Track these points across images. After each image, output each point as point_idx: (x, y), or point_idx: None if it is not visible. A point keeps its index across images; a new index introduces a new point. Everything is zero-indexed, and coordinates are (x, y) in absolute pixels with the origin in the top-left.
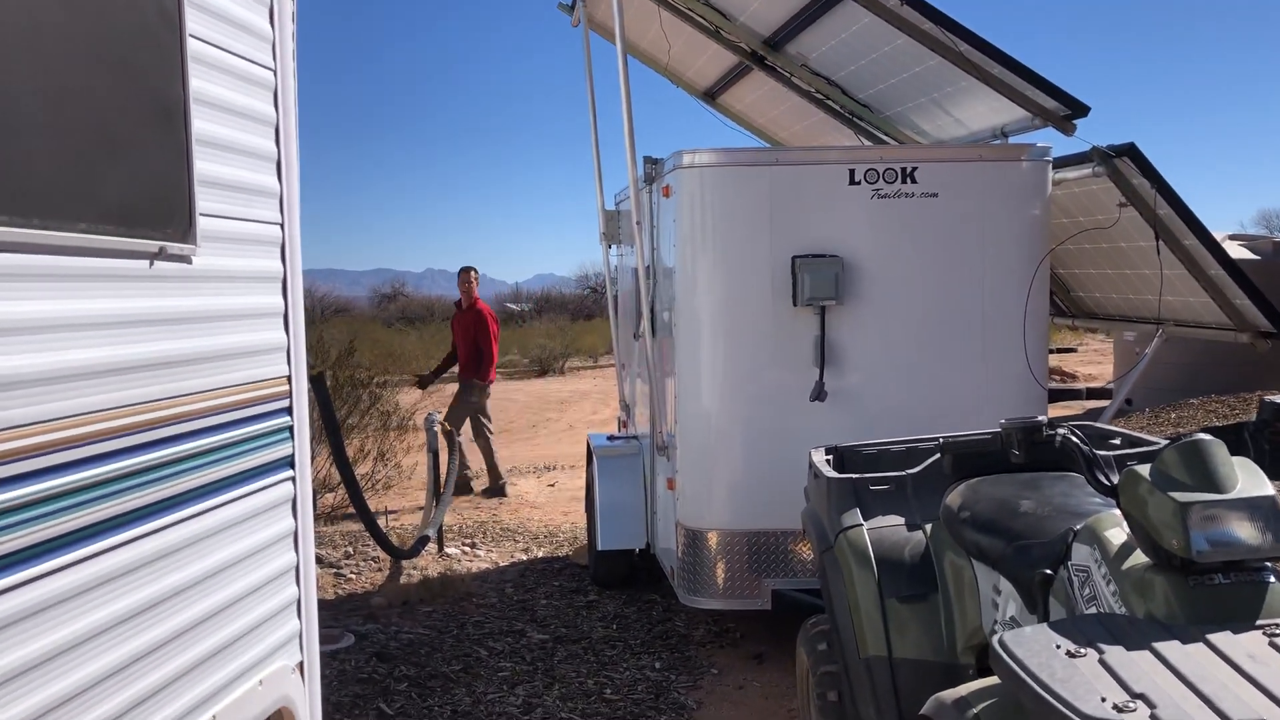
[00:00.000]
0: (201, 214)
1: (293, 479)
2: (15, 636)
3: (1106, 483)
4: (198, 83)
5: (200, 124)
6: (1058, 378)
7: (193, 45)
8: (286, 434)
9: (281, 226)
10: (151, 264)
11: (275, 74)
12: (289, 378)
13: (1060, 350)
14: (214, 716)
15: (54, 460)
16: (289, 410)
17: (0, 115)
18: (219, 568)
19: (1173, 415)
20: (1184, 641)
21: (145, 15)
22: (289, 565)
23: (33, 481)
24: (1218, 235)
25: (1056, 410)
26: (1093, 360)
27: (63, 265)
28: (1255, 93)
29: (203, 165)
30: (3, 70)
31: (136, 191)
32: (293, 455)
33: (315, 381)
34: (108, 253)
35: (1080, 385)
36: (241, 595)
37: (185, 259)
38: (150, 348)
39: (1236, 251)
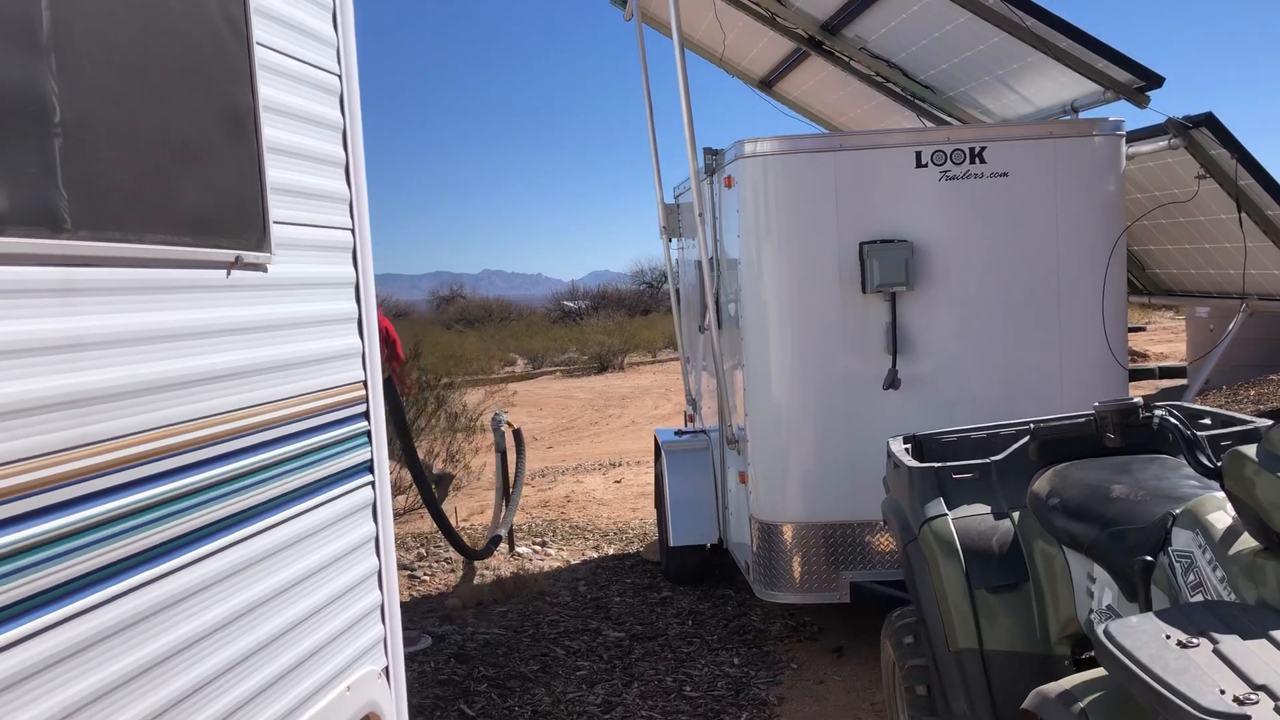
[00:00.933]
0: (275, 221)
1: (372, 484)
2: (110, 650)
3: (1209, 464)
4: (267, 90)
5: (271, 131)
6: (1129, 357)
7: (260, 53)
8: (365, 439)
9: (352, 231)
10: (228, 274)
11: (341, 79)
12: (365, 382)
13: (1129, 329)
14: None
15: (138, 474)
16: (366, 415)
17: (75, 129)
18: (304, 575)
19: (1251, 392)
20: None
21: (214, 24)
22: (371, 570)
23: (117, 497)
24: None
25: (1130, 391)
26: (1162, 339)
27: (140, 278)
28: None
29: (274, 173)
30: (76, 84)
31: (211, 201)
32: (371, 460)
33: (385, 385)
34: (185, 264)
35: (1152, 364)
36: (326, 602)
37: (261, 267)
38: (229, 357)
39: None
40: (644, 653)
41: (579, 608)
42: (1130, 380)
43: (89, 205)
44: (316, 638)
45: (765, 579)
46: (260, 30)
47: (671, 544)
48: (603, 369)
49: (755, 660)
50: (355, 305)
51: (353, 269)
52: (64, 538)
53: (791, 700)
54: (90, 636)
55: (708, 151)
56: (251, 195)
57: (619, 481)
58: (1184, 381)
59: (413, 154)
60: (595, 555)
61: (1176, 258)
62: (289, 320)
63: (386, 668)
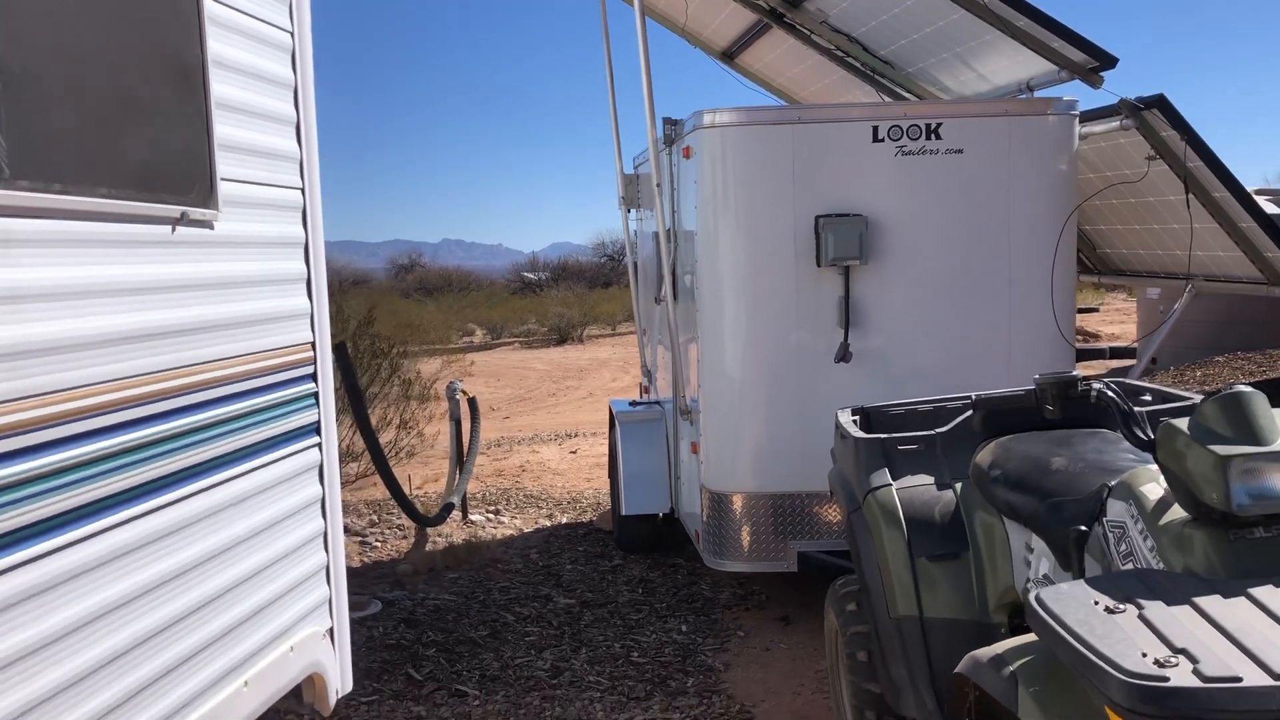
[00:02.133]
0: (223, 179)
1: (319, 445)
2: (48, 602)
3: (1143, 437)
4: (216, 45)
5: (219, 87)
6: (1080, 338)
7: (210, 6)
8: (312, 400)
9: (303, 191)
10: (174, 229)
11: (293, 35)
12: (313, 344)
13: (1082, 310)
14: (246, 681)
15: (75, 429)
16: (314, 377)
17: (20, 81)
18: (248, 534)
19: (1198, 373)
20: (1225, 596)
21: None
22: (317, 531)
23: (56, 450)
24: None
25: (1081, 370)
26: (1115, 320)
27: (83, 231)
28: None
29: (223, 129)
30: (16, 35)
31: (157, 156)
32: (319, 422)
33: (337, 350)
34: (129, 218)
35: (1103, 345)
36: (271, 561)
37: (207, 224)
38: (174, 314)
39: (1264, 205)
40: (593, 619)
41: (530, 575)
42: (1081, 361)
43: (29, 156)
44: (259, 597)
45: (714, 548)
46: None
47: (624, 513)
48: (562, 341)
49: (703, 628)
50: (305, 266)
51: (302, 229)
52: None
53: (737, 667)
54: (19, 592)
55: (667, 122)
56: (199, 151)
57: (574, 452)
58: (1134, 363)
59: (373, 120)
60: (548, 524)
61: (1126, 238)
62: (236, 279)
63: (331, 629)
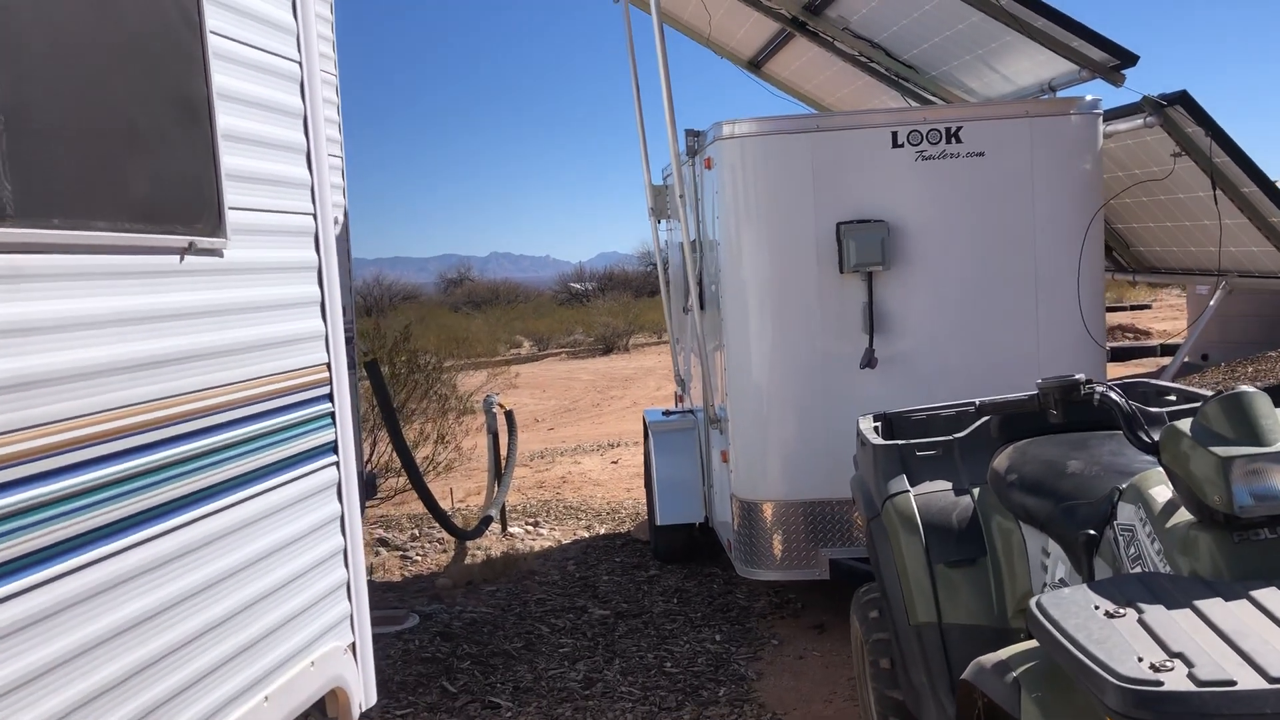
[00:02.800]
0: (231, 207)
1: (337, 464)
2: (70, 620)
3: (1147, 440)
4: (221, 78)
5: (225, 119)
6: (1131, 335)
7: (214, 41)
8: (328, 420)
9: (314, 216)
10: (182, 259)
11: (301, 65)
12: (328, 365)
13: (1135, 307)
14: (267, 697)
15: (92, 454)
16: (330, 397)
17: (23, 118)
18: (266, 552)
19: (1249, 369)
20: (1226, 599)
21: (166, 14)
22: (336, 549)
23: (72, 475)
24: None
25: (1130, 369)
26: (1168, 316)
27: (90, 264)
28: None
29: (230, 159)
30: (27, 72)
31: (163, 188)
32: (335, 441)
33: (369, 367)
34: (136, 249)
35: (1154, 342)
36: (290, 579)
37: (216, 252)
38: (186, 340)
39: None
40: (627, 630)
41: (567, 586)
42: (1131, 359)
43: (33, 193)
44: (279, 613)
45: (746, 556)
46: (214, 19)
47: (658, 523)
48: (608, 350)
49: (737, 637)
50: (318, 289)
51: (315, 253)
52: (6, 517)
53: (770, 675)
54: (41, 611)
55: (689, 133)
56: (206, 182)
57: (616, 462)
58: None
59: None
60: (587, 535)
61: (1159, 235)
62: (247, 304)
63: (353, 644)
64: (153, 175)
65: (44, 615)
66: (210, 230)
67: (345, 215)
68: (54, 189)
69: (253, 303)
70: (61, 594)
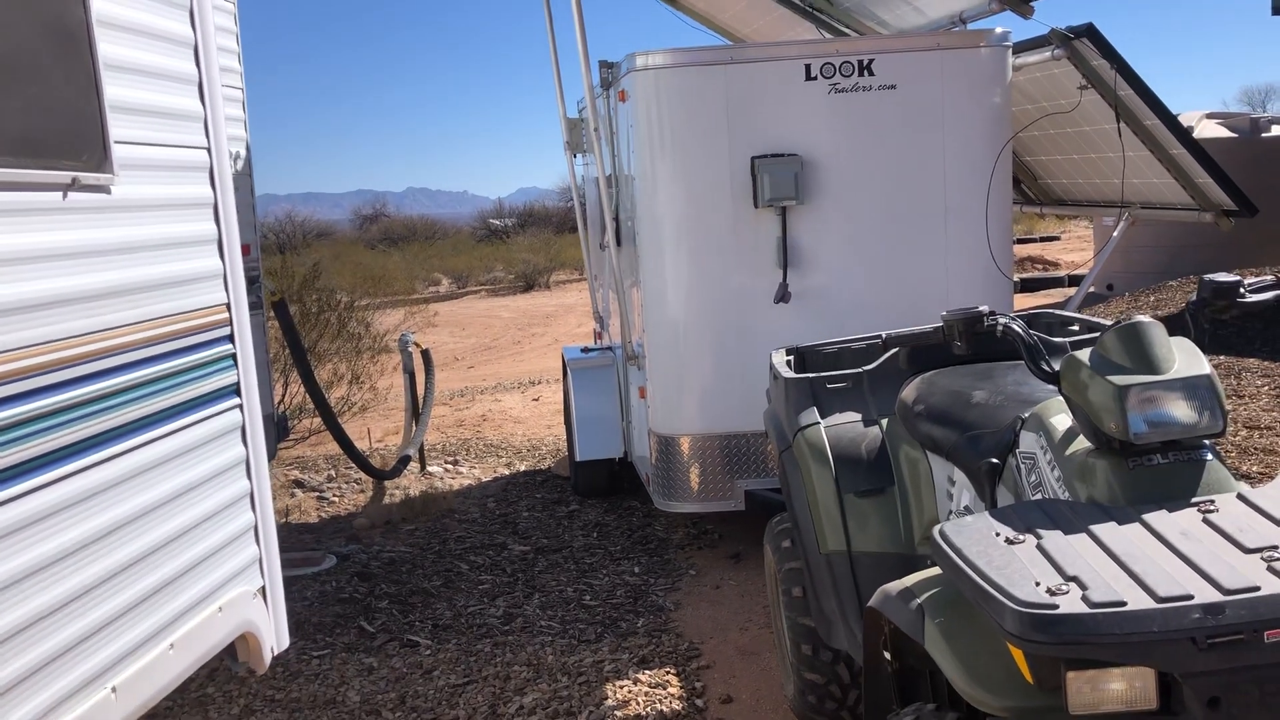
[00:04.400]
0: (117, 141)
1: (240, 406)
2: None
3: (1049, 370)
4: (100, 4)
5: (107, 47)
6: (1040, 266)
7: None
8: (229, 362)
9: (209, 150)
10: (65, 195)
11: None
12: (228, 305)
13: (1044, 239)
14: (172, 645)
15: None
16: (230, 338)
17: None
18: (168, 497)
19: (1152, 298)
20: (1120, 523)
21: None
22: (242, 492)
23: None
24: (1196, 114)
25: (1039, 299)
26: (1076, 248)
27: None
28: None
29: (114, 90)
30: None
31: (42, 121)
32: (238, 383)
33: (277, 307)
34: (14, 186)
35: (1062, 273)
36: (194, 524)
37: (103, 189)
38: (73, 281)
39: (1214, 130)
40: (547, 565)
41: (487, 524)
42: (1040, 289)
43: None
44: (183, 560)
45: (664, 490)
46: None
47: (578, 459)
48: (528, 288)
49: (655, 568)
50: (214, 226)
51: (210, 189)
52: None
53: (688, 605)
54: None
55: (602, 65)
56: (89, 114)
57: (537, 400)
58: (1093, 289)
59: (333, 68)
60: (507, 472)
61: (1065, 168)
62: (137, 243)
63: (263, 588)
64: (29, 107)
65: None
66: (95, 165)
67: (247, 149)
68: None
69: (144, 241)
70: None
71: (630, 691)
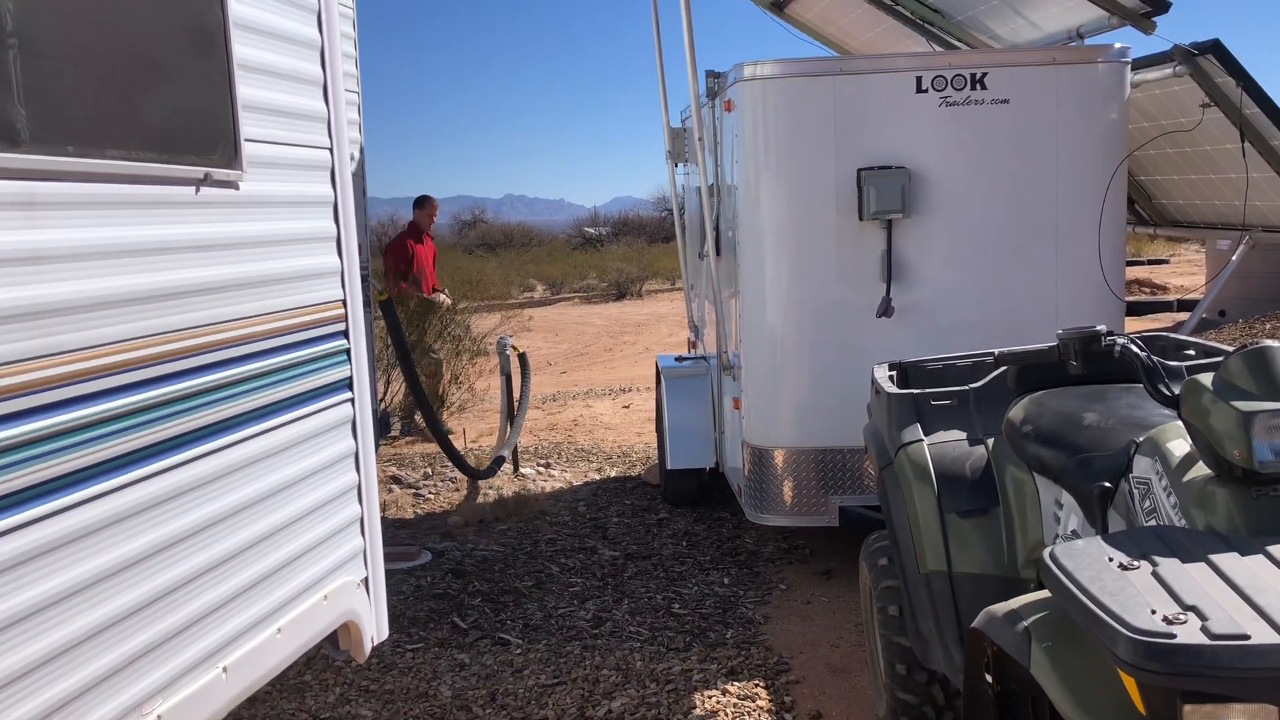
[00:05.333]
0: (247, 139)
1: (352, 400)
2: (85, 549)
3: (1168, 393)
4: (237, 6)
5: (242, 48)
6: (1148, 290)
7: None
8: (344, 357)
9: (330, 151)
10: (197, 190)
11: None
12: (344, 301)
13: (1152, 262)
14: (280, 629)
15: (103, 385)
16: (345, 334)
17: (38, 45)
18: (281, 486)
19: (1268, 326)
20: (1242, 553)
21: None
22: (350, 485)
23: (80, 406)
24: None
25: (1146, 324)
26: (1186, 272)
27: (105, 193)
28: None
29: (246, 90)
30: (39, 1)
31: (179, 118)
32: (351, 377)
33: (384, 306)
34: (151, 179)
35: (1171, 297)
36: (304, 513)
37: (232, 185)
38: (201, 273)
39: None
40: (636, 571)
41: (577, 527)
42: (1148, 313)
43: (48, 120)
44: (293, 547)
45: (756, 502)
46: None
47: (669, 467)
48: (621, 296)
49: (745, 580)
50: (334, 225)
51: (331, 188)
52: (21, 445)
53: (777, 619)
54: (54, 540)
55: (709, 74)
56: (222, 112)
57: (627, 406)
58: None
59: (436, 77)
60: (597, 477)
61: (1182, 188)
62: (262, 238)
63: (366, 579)
64: (168, 105)
65: (60, 543)
66: (226, 162)
67: (361, 152)
68: (68, 116)
69: (267, 236)
70: (77, 522)
71: (719, 702)
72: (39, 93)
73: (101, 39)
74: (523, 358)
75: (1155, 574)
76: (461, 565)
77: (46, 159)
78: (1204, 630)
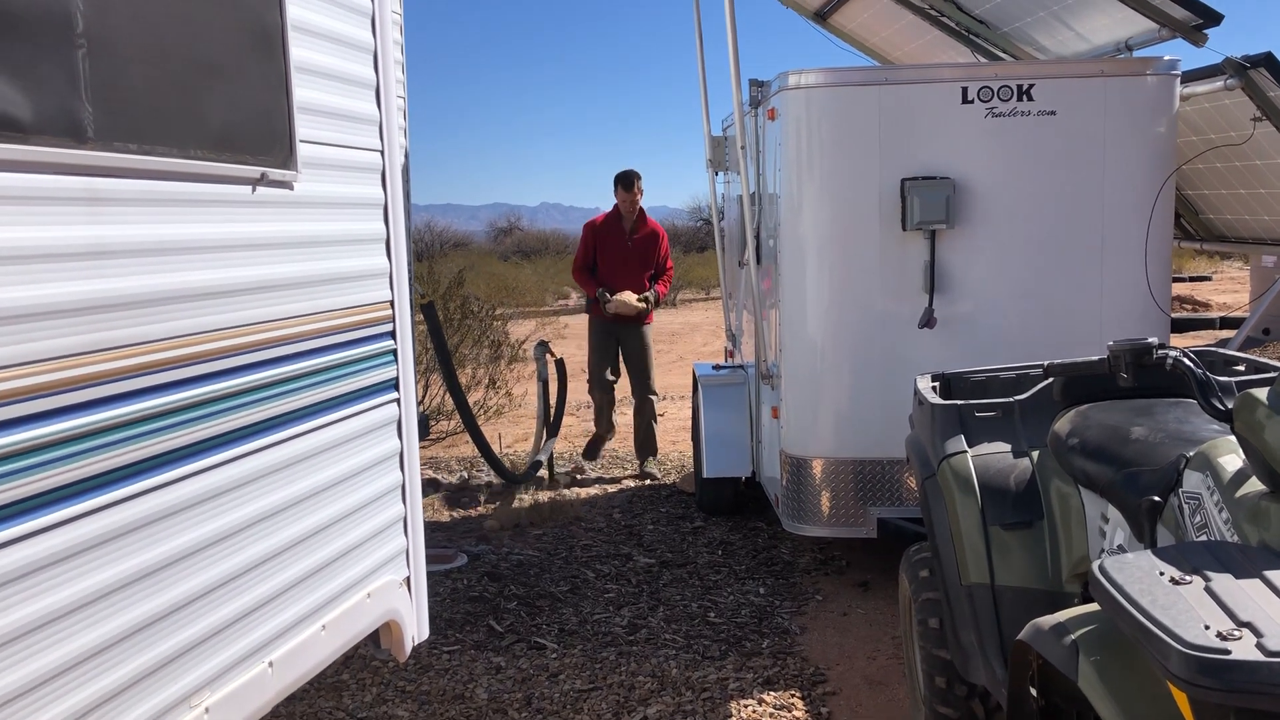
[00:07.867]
0: (302, 140)
1: (398, 401)
2: (143, 540)
3: (1221, 407)
4: (295, 10)
5: (298, 51)
6: (1189, 307)
7: None
8: (390, 357)
9: (382, 153)
10: (254, 190)
11: (373, 1)
12: (392, 303)
13: (1195, 278)
14: (324, 626)
15: (159, 379)
16: (393, 335)
17: (104, 44)
18: (328, 484)
19: None
20: None
21: None
22: (395, 484)
23: (138, 400)
24: None
25: (1188, 340)
26: (1229, 289)
27: (166, 190)
28: None
29: (302, 92)
30: (105, 2)
31: (237, 118)
32: (397, 378)
33: (426, 310)
34: (209, 178)
35: (1213, 314)
36: (349, 512)
37: (287, 185)
38: (253, 271)
39: None
40: (672, 579)
41: (612, 534)
42: (1190, 331)
43: (112, 117)
44: (338, 544)
45: (793, 512)
46: None
47: (705, 476)
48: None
49: (781, 591)
50: (384, 226)
51: (381, 190)
52: (80, 437)
53: (814, 630)
54: (105, 533)
55: (753, 83)
56: (278, 114)
57: (662, 414)
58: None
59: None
60: (633, 485)
61: (1231, 203)
62: (314, 238)
63: (408, 578)
64: (227, 105)
65: (119, 533)
66: (282, 162)
67: (406, 156)
68: (132, 115)
69: (320, 237)
70: (128, 516)
71: (754, 711)
72: (105, 91)
73: (165, 40)
74: (560, 363)
75: (1208, 589)
76: (497, 569)
77: (110, 155)
78: (1259, 647)
